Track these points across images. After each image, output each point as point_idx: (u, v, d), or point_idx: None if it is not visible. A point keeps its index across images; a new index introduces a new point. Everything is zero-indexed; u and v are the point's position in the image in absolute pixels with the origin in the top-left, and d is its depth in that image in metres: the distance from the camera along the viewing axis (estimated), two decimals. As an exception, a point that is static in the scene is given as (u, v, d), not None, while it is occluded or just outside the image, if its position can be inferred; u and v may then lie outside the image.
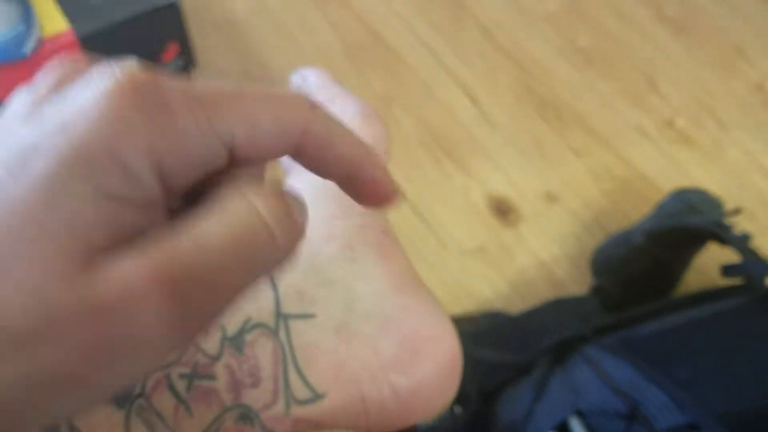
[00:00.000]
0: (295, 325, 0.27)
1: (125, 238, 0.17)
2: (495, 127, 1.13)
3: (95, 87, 0.18)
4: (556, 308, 0.85)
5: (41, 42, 0.86)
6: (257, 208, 0.19)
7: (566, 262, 1.00)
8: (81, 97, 0.18)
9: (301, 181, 0.32)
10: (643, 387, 0.63)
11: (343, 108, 0.34)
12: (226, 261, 0.18)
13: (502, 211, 1.05)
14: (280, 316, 0.27)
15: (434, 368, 0.28)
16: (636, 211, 1.03)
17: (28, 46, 0.84)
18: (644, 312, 0.77)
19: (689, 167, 1.08)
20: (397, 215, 1.04)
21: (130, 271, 0.16)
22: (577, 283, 0.98)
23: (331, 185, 0.32)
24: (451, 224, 1.04)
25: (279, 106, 0.20)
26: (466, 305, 0.97)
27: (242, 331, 0.26)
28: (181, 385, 0.25)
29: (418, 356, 0.27)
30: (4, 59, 0.82)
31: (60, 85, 0.19)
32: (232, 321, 0.26)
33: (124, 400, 0.25)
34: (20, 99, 0.19)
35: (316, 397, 0.26)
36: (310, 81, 0.35)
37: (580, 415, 0.68)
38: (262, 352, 0.26)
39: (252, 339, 0.26)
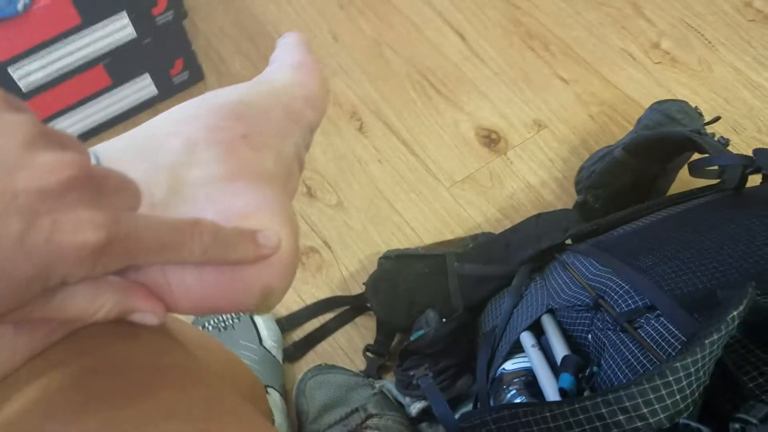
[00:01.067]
0: None
1: None
2: (483, 61, 1.15)
3: None
4: (538, 222, 0.87)
5: (34, -1, 0.91)
6: None
7: (554, 184, 1.02)
8: None
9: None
10: (606, 278, 0.65)
11: (284, 60, 0.40)
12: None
13: (492, 140, 1.07)
14: None
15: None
16: (623, 133, 1.04)
17: (21, 3, 0.88)
18: (619, 218, 0.79)
19: (676, 87, 1.08)
20: (390, 151, 1.07)
21: None
22: (565, 205, 1.00)
23: (209, 98, 0.37)
24: (442, 157, 1.06)
25: None
26: (457, 232, 1.00)
27: None
28: None
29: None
30: (-2, 16, 0.87)
31: None
32: None
33: None
34: None
35: None
36: (285, 41, 0.42)
37: (552, 312, 0.71)
38: None
39: None
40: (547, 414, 0.42)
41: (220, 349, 0.57)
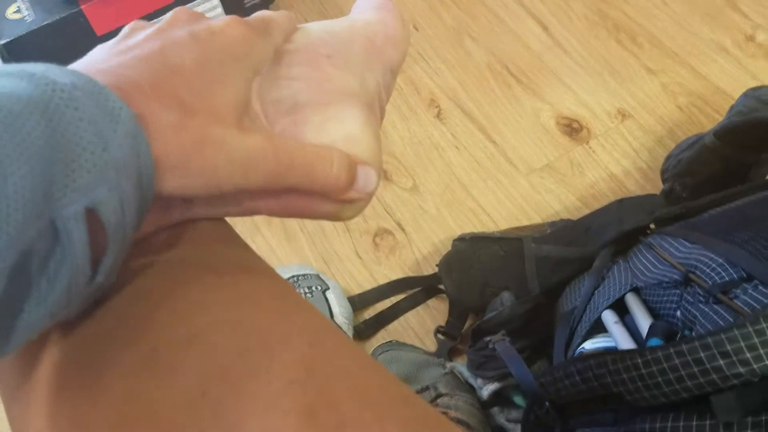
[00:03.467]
0: None
1: None
2: (566, 52, 1.13)
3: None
4: (621, 206, 0.85)
5: (131, -23, 0.95)
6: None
7: (638, 174, 0.99)
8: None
9: None
10: (697, 254, 0.62)
11: (364, 4, 0.41)
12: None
13: (573, 129, 1.05)
14: None
15: None
16: (713, 125, 1.00)
17: (120, -21, 0.92)
18: (710, 201, 0.76)
19: (771, 79, 1.04)
20: (467, 138, 1.06)
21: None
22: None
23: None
24: (520, 145, 1.05)
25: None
26: (534, 219, 0.98)
27: None
28: None
29: None
30: (98, -10, 0.91)
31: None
32: None
33: None
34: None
35: None
36: None
37: (636, 291, 0.68)
38: None
39: None
40: (639, 360, 0.40)
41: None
